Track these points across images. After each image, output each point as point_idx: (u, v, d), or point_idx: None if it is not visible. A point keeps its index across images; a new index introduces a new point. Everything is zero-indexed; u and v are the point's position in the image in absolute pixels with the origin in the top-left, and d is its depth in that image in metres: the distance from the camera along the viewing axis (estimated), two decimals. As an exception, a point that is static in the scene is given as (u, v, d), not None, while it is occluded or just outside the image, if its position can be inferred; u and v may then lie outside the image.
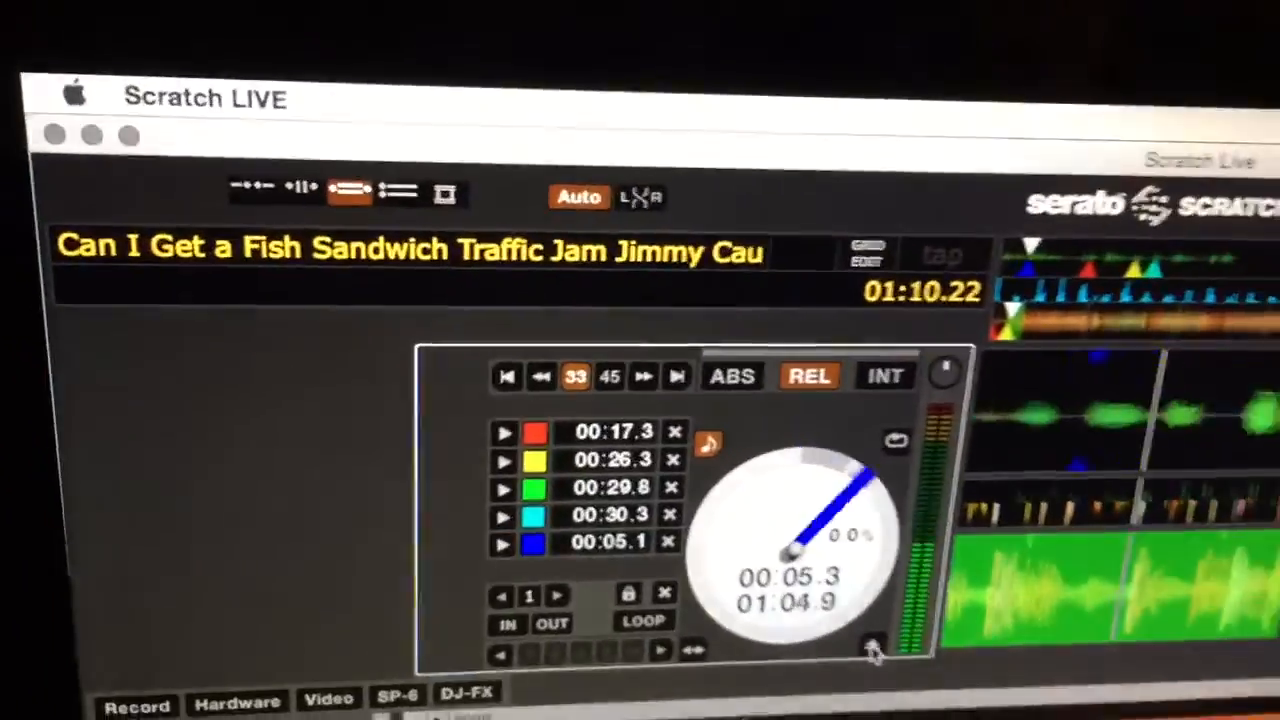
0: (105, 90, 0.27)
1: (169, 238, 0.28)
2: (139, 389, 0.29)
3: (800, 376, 0.32)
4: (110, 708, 0.31)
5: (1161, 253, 0.32)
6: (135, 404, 0.29)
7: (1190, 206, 0.32)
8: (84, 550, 0.30)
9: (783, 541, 0.33)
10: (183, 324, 0.29)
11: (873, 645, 0.34)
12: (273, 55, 0.27)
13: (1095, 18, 0.30)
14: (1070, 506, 0.34)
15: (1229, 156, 0.31)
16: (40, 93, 0.27)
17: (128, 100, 0.27)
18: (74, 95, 0.27)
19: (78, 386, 0.29)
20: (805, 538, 0.34)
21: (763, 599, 0.33)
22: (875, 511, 0.33)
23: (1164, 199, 0.32)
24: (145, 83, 0.27)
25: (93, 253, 0.28)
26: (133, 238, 0.28)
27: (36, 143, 0.27)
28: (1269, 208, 0.32)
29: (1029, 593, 0.35)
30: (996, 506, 0.34)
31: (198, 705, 0.32)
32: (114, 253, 0.28)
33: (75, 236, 0.28)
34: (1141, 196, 0.31)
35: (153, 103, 0.27)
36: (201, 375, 0.29)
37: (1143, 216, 0.32)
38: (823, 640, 0.34)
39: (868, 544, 0.33)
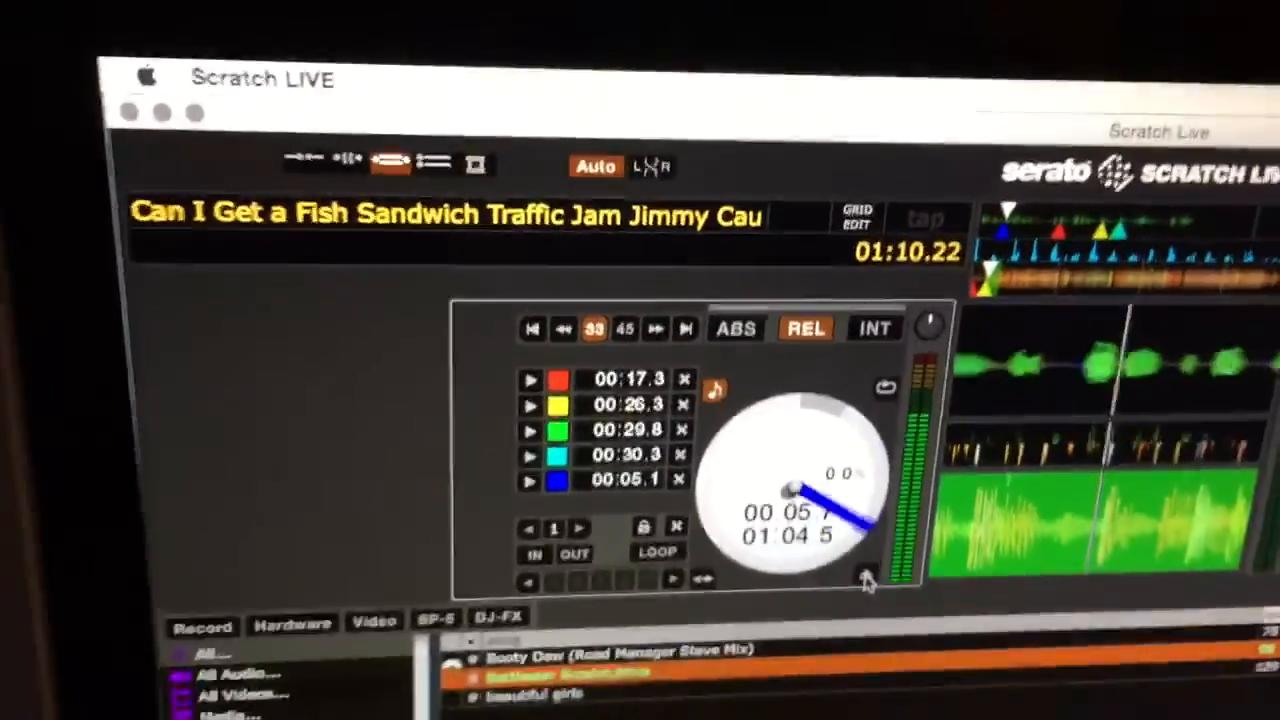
0: (174, 72, 0.29)
1: (230, 204, 0.30)
2: (204, 340, 0.31)
3: (798, 329, 0.34)
4: (179, 627, 0.33)
5: (1126, 216, 0.34)
6: (201, 354, 0.31)
7: (1151, 173, 0.33)
8: (155, 487, 0.32)
9: (784, 479, 0.35)
10: (243, 281, 0.31)
11: (866, 575, 0.36)
12: (322, 40, 0.29)
13: (1065, 2, 0.32)
14: (1046, 447, 0.35)
15: (1186, 128, 0.33)
16: (116, 75, 0.29)
17: (194, 81, 0.29)
18: (146, 77, 0.29)
19: (149, 338, 0.31)
20: (806, 492, 0.36)
21: (765, 532, 0.35)
22: (868, 452, 0.35)
23: (1127, 166, 0.33)
24: (209, 65, 0.29)
25: (163, 218, 0.30)
26: (198, 204, 0.30)
27: (113, 119, 0.29)
28: (1222, 174, 0.33)
29: (1008, 527, 0.36)
30: (978, 448, 0.35)
31: (256, 626, 0.34)
32: (182, 218, 0.30)
33: (148, 203, 0.30)
34: (1106, 164, 0.33)
35: (216, 83, 0.29)
36: (258, 328, 0.31)
37: (1108, 183, 0.33)
38: (820, 570, 0.36)
39: (861, 481, 0.35)
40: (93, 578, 0.32)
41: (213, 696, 0.34)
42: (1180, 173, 0.33)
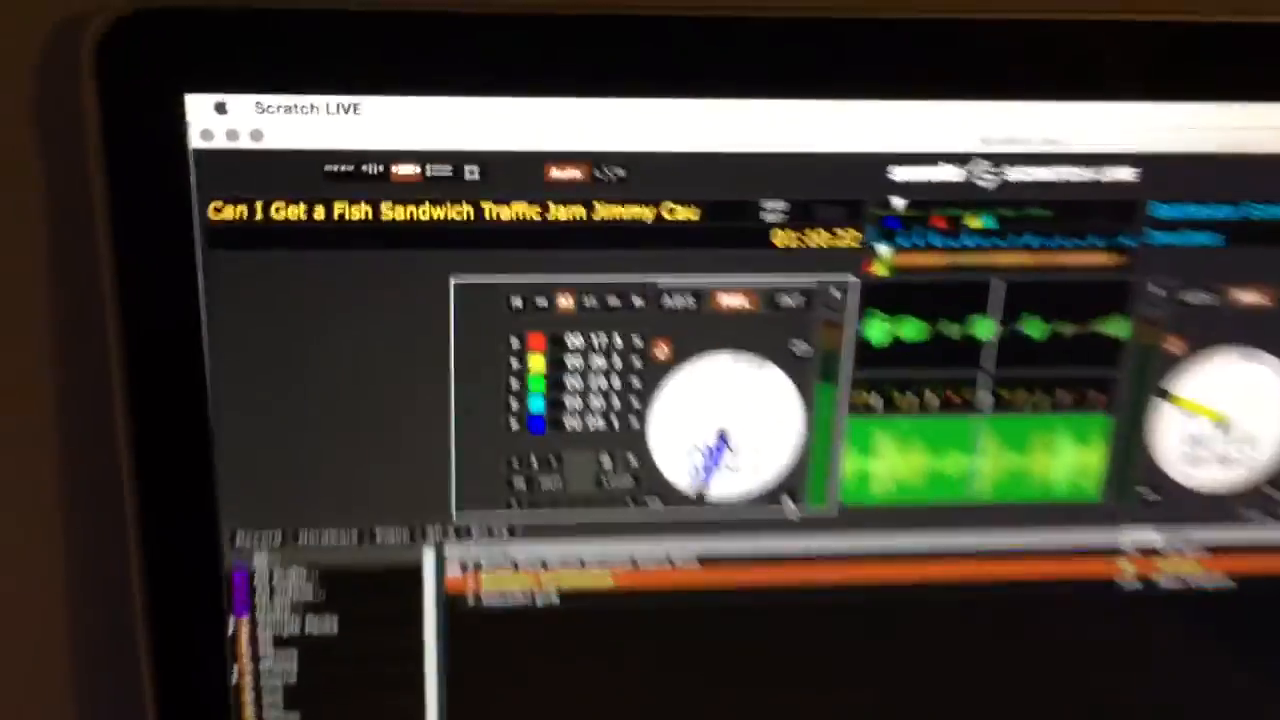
0: (241, 105, 0.37)
1: (282, 204, 0.38)
2: (262, 310, 0.39)
3: (728, 301, 0.41)
4: (239, 537, 0.42)
5: (995, 208, 0.41)
6: (259, 321, 0.40)
7: (1015, 174, 0.41)
8: (222, 428, 0.41)
9: (717, 424, 0.43)
10: (292, 264, 0.39)
11: (789, 502, 0.45)
12: (352, 81, 0.38)
13: (941, 38, 0.40)
14: (933, 398, 0.43)
15: (1042, 137, 0.41)
16: (198, 107, 0.37)
17: (256, 111, 0.37)
18: (220, 108, 0.37)
19: (220, 308, 0.39)
20: (720, 439, 0.44)
21: (710, 473, 0.44)
22: (786, 401, 0.43)
23: (994, 169, 0.41)
24: (267, 99, 0.37)
25: (231, 216, 0.38)
26: (258, 204, 0.38)
27: (195, 141, 0.37)
28: (1075, 175, 0.41)
29: (904, 463, 0.44)
30: (877, 398, 0.43)
31: (299, 537, 0.42)
32: (245, 215, 0.38)
33: (220, 204, 0.38)
34: (977, 168, 0.41)
35: (273, 112, 0.37)
36: (303, 300, 0.40)
37: (979, 182, 0.41)
38: (751, 497, 0.44)
39: (781, 425, 0.43)
40: (175, 499, 0.41)
41: (265, 593, 0.43)
42: (1038, 173, 0.41)
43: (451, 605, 0.45)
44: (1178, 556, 0.47)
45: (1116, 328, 0.44)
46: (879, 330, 0.43)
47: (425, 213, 0.40)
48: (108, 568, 0.43)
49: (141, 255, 0.39)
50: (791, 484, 0.45)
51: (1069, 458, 0.46)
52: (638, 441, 0.44)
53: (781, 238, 0.42)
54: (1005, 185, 0.42)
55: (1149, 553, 0.47)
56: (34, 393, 0.43)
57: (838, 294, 0.43)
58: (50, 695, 0.47)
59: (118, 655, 0.44)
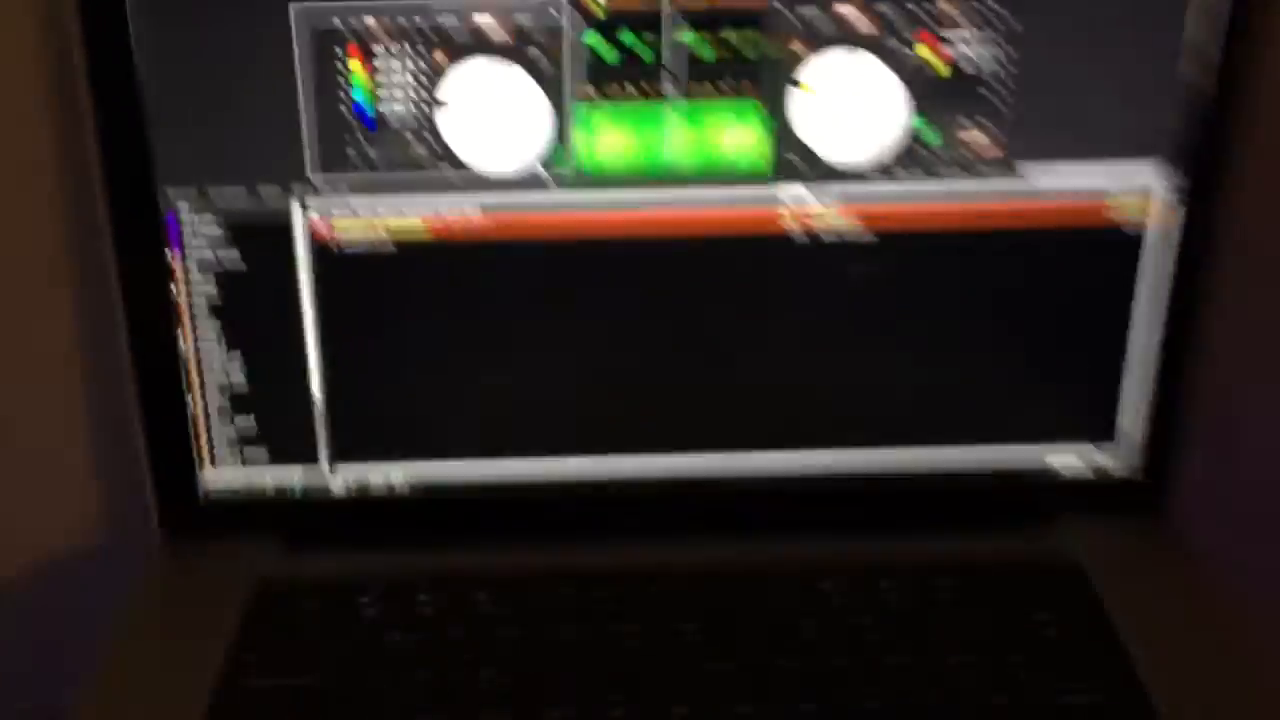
0: None
1: None
2: (169, 32, 0.60)
3: (481, 21, 0.60)
4: (169, 190, 0.65)
5: None
6: (169, 40, 0.60)
7: None
8: (151, 107, 0.62)
9: (485, 110, 0.66)
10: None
11: (540, 167, 0.65)
12: None
13: None
14: (631, 86, 0.62)
15: None
16: None
17: None
18: None
19: (143, 32, 0.60)
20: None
21: (486, 144, 0.64)
22: (535, 94, 0.64)
23: None
24: None
25: None
26: None
27: None
28: None
29: (620, 140, 0.62)
30: (595, 90, 0.61)
31: (209, 193, 0.68)
32: None
33: None
34: None
35: None
36: (195, 23, 0.60)
37: None
38: (514, 166, 0.64)
39: (535, 111, 0.63)
40: (125, 160, 0.62)
41: (190, 234, 0.64)
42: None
43: (315, 244, 0.65)
44: (827, 211, 0.68)
45: (758, 38, 0.63)
46: (592, 42, 0.63)
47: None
48: (84, 213, 0.67)
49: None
50: (549, 159, 0.65)
51: (737, 136, 0.65)
52: (431, 123, 0.64)
53: (542, -8, 0.63)
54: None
55: (806, 209, 0.67)
56: (33, 96, 0.68)
57: (557, 16, 0.63)
58: (54, 308, 0.72)
59: (93, 275, 0.68)
